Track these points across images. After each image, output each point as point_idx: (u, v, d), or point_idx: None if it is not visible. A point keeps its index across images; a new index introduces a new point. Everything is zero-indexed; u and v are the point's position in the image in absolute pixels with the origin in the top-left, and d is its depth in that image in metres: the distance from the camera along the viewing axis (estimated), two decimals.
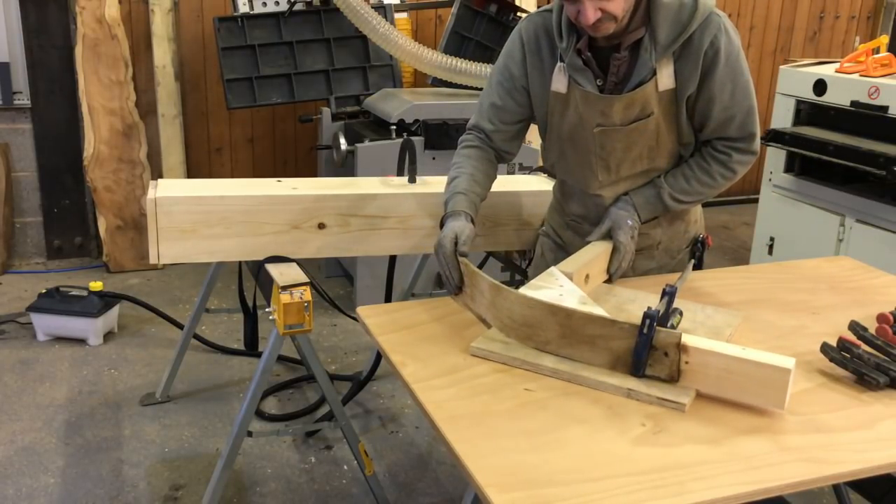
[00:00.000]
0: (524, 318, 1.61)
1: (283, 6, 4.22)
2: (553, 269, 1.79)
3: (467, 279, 1.79)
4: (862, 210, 3.59)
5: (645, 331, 1.48)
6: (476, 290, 1.76)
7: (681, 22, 1.80)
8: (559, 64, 1.91)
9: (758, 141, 1.96)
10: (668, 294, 1.59)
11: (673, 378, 1.49)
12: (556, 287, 1.71)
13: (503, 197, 2.56)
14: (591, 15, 1.72)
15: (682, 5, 1.81)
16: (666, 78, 1.84)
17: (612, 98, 1.86)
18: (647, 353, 1.49)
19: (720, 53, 1.83)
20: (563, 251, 2.16)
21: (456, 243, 1.83)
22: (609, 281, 1.95)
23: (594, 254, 1.91)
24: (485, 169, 2.05)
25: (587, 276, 1.85)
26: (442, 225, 1.93)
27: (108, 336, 3.70)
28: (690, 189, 1.97)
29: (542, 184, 2.70)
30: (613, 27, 1.77)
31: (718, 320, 1.75)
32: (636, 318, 1.53)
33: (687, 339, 1.47)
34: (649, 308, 1.48)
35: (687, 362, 1.48)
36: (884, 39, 3.99)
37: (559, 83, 1.92)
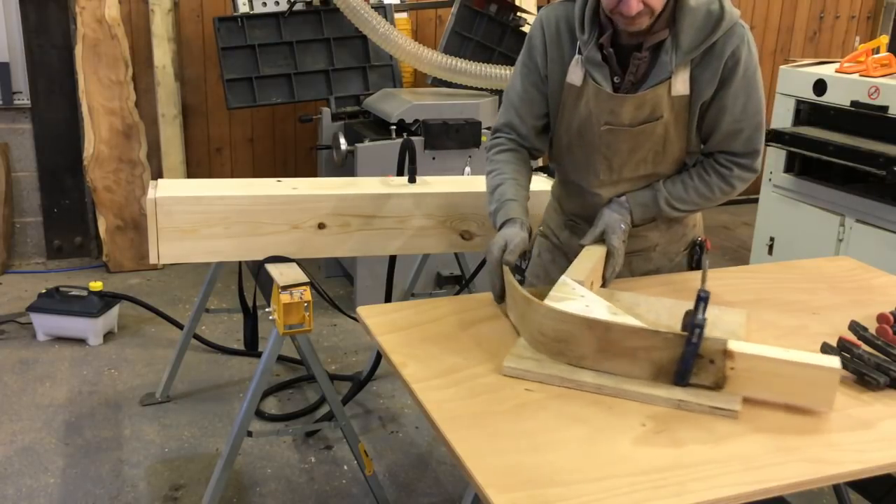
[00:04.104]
0: (556, 332, 1.56)
1: (283, 6, 4.22)
2: (565, 278, 1.75)
3: (507, 289, 1.77)
4: (862, 210, 3.59)
5: (694, 340, 1.44)
6: (511, 301, 1.72)
7: (706, 29, 1.79)
8: (577, 56, 1.89)
9: (760, 159, 1.95)
10: (703, 300, 1.52)
11: (719, 385, 1.47)
12: (578, 298, 1.66)
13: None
14: (634, 6, 1.70)
15: (710, 12, 1.80)
16: (680, 84, 1.83)
17: (624, 98, 1.85)
18: (693, 362, 1.46)
19: (740, 64, 1.82)
20: (559, 251, 2.15)
21: (504, 251, 1.80)
22: (603, 285, 1.94)
23: (595, 259, 1.89)
24: (525, 171, 2.03)
25: (591, 283, 1.84)
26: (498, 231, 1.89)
27: (108, 336, 3.70)
28: (687, 198, 1.96)
29: (541, 184, 2.70)
30: (647, 22, 1.76)
31: (728, 320, 1.74)
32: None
33: (733, 346, 1.45)
34: (696, 316, 1.45)
35: (732, 368, 1.45)
36: (884, 39, 3.99)
37: (575, 75, 1.90)
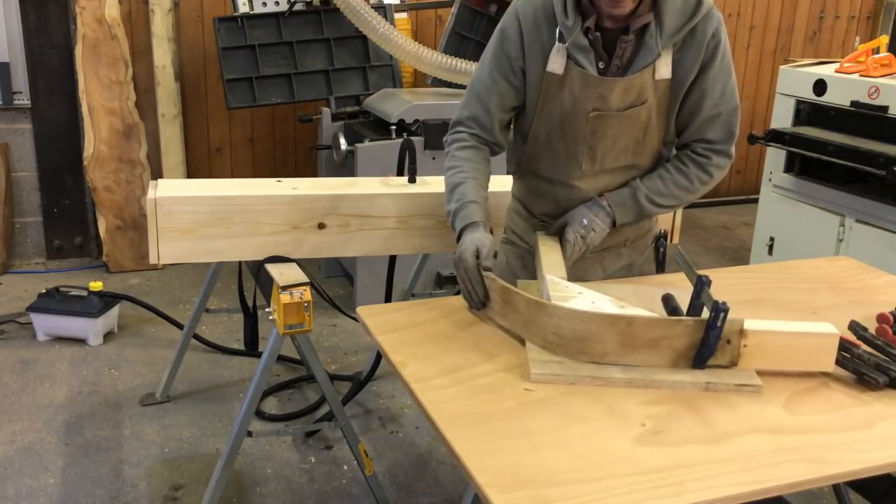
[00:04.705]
0: (575, 332, 1.57)
1: (283, 6, 4.22)
2: (553, 277, 1.75)
3: (494, 294, 1.74)
4: (862, 210, 3.59)
5: (719, 324, 1.51)
6: (508, 307, 1.70)
7: (686, 12, 1.82)
8: (557, 44, 1.86)
9: (734, 144, 1.96)
10: (705, 283, 1.59)
11: (733, 363, 1.55)
12: (578, 295, 1.67)
13: (503, 198, 2.55)
14: None
15: None
16: (663, 67, 1.84)
17: (614, 81, 1.84)
18: (717, 344, 1.53)
19: (720, 47, 1.85)
20: (531, 256, 2.10)
21: (478, 257, 1.76)
22: None
23: (559, 251, 1.91)
24: (485, 170, 1.98)
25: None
26: (458, 237, 1.85)
27: (108, 336, 3.70)
28: (666, 191, 1.95)
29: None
30: (631, 6, 1.76)
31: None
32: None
33: (747, 324, 1.53)
34: (717, 302, 1.50)
35: (745, 345, 1.54)
36: (884, 39, 3.99)
37: (556, 64, 1.87)
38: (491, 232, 1.85)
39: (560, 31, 1.85)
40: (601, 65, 1.85)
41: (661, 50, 1.82)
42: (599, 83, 1.85)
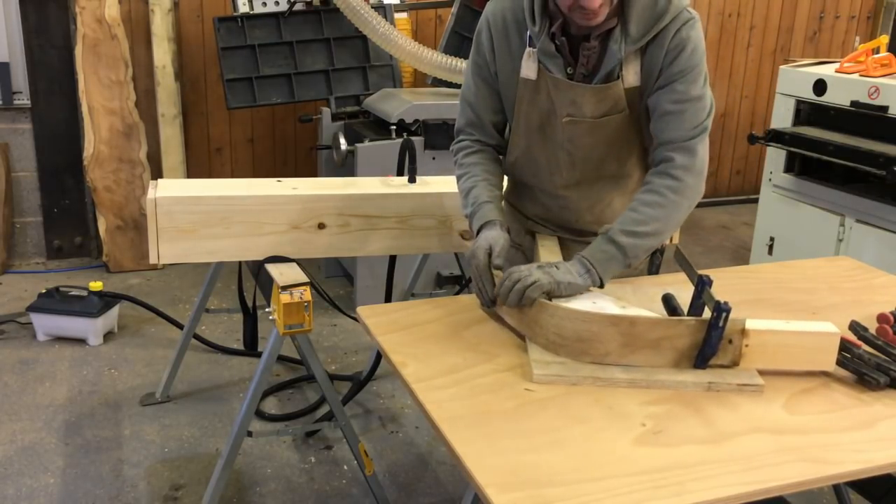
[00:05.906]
0: (577, 333, 1.57)
1: (283, 6, 4.22)
2: None
3: None
4: (862, 210, 3.59)
5: (721, 324, 1.51)
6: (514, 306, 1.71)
7: (653, 17, 1.77)
8: (528, 49, 1.85)
9: (703, 143, 1.80)
10: (707, 283, 1.59)
11: (735, 363, 1.56)
12: (579, 296, 1.68)
13: None
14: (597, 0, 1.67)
15: (656, 1, 1.77)
16: (632, 75, 1.81)
17: (585, 88, 1.81)
18: (719, 344, 1.53)
19: (682, 45, 1.77)
20: (524, 258, 2.09)
21: (490, 255, 1.77)
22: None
23: (558, 252, 1.92)
24: (495, 170, 1.99)
25: None
26: (476, 235, 1.86)
27: (108, 336, 3.70)
28: (639, 217, 1.76)
29: None
30: (606, 13, 1.72)
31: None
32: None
33: (749, 324, 1.54)
34: (719, 302, 1.50)
35: (747, 345, 1.55)
36: (884, 39, 3.99)
37: (529, 69, 1.86)
38: (508, 231, 1.87)
39: (530, 36, 1.84)
40: (569, 70, 1.83)
41: (626, 57, 1.78)
42: (570, 88, 1.83)
